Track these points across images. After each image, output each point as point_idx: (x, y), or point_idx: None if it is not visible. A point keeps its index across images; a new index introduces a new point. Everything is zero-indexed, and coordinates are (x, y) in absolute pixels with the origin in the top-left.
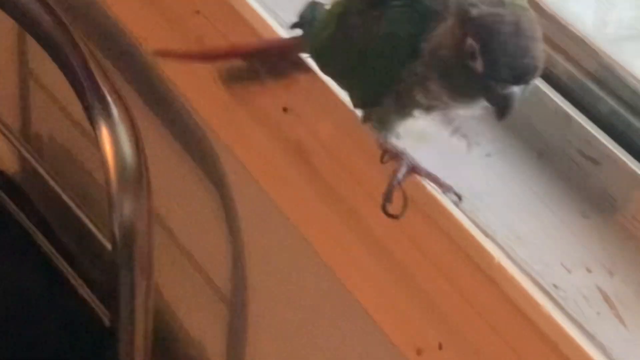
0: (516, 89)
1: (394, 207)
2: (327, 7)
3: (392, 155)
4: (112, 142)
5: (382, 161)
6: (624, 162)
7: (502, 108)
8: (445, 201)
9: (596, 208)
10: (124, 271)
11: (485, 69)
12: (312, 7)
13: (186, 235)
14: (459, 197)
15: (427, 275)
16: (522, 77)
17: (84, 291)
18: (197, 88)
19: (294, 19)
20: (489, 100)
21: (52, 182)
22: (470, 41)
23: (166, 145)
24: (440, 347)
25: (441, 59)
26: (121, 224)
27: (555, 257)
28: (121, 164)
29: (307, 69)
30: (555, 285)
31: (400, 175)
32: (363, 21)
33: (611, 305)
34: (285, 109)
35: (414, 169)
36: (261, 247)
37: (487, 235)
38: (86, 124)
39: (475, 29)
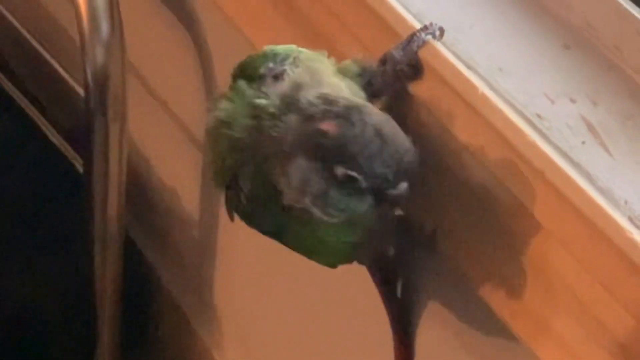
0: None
1: None
2: None
3: None
4: None
5: None
6: None
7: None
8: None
9: (577, 39)
10: (97, 116)
11: (370, 186)
12: None
13: (160, 82)
14: (441, 31)
15: None
16: (403, 178)
17: (56, 138)
18: None
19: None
20: (386, 205)
21: (22, 31)
22: (342, 170)
23: None
24: None
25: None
26: (94, 68)
27: (538, 88)
28: (93, 8)
29: None
30: (539, 116)
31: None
32: None
33: (595, 135)
34: None
35: None
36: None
37: (469, 67)
38: None
39: (342, 158)
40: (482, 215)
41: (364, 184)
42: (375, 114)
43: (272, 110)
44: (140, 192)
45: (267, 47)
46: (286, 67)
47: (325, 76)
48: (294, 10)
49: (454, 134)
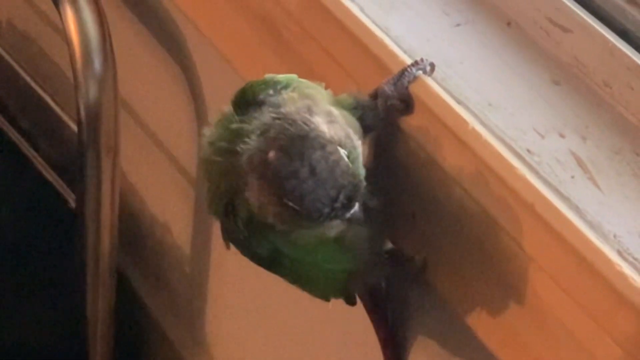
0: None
1: None
2: None
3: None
4: (76, 21)
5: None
6: (594, 28)
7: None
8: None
9: (567, 75)
10: (90, 151)
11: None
12: None
13: (152, 117)
14: (432, 66)
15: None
16: (343, 210)
17: (49, 173)
18: None
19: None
20: None
21: (14, 66)
22: (288, 202)
23: (130, 27)
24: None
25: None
26: (87, 104)
27: (528, 123)
28: (86, 43)
29: None
30: (529, 150)
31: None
32: None
33: (585, 169)
34: None
35: None
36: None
37: (459, 102)
38: (45, 8)
39: (283, 192)
40: (471, 247)
41: (306, 217)
42: (317, 147)
43: (248, 133)
44: (132, 226)
45: (268, 75)
46: (284, 96)
47: (320, 103)
48: (284, 45)
49: (444, 168)
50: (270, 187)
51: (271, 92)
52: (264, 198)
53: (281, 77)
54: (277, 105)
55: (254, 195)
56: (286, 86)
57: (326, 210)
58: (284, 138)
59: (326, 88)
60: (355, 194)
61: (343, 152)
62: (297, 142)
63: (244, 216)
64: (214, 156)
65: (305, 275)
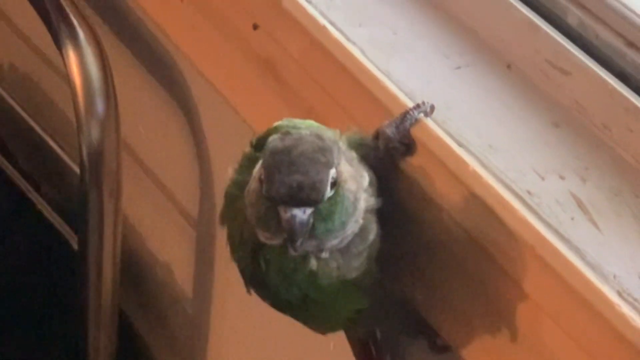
0: (297, 212)
1: None
2: None
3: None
4: (79, 63)
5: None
6: (594, 71)
7: (288, 234)
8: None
9: (567, 117)
10: (92, 193)
11: (265, 193)
12: None
13: (154, 160)
14: (432, 108)
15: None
16: (289, 194)
17: (51, 215)
18: (163, 7)
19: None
20: (281, 224)
21: (16, 108)
22: (260, 171)
23: (132, 69)
24: None
25: (251, 196)
26: (89, 146)
27: (528, 165)
28: (88, 86)
29: None
30: (529, 192)
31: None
32: None
33: (585, 211)
34: (255, 26)
35: None
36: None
37: (460, 144)
38: (48, 51)
39: (263, 160)
40: (472, 289)
41: (264, 187)
42: (303, 136)
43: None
44: (134, 266)
45: (288, 120)
46: None
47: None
48: (286, 88)
49: (445, 209)
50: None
51: None
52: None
53: (301, 123)
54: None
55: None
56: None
57: (277, 182)
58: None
59: None
60: (312, 190)
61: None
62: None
63: (276, 265)
64: (234, 200)
65: (320, 316)
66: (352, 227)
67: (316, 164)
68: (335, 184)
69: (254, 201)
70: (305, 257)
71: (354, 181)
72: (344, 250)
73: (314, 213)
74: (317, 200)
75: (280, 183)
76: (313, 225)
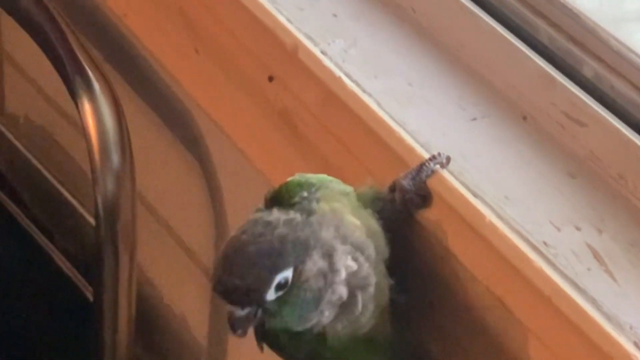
0: (234, 309)
1: None
2: None
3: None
4: (94, 115)
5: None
6: (609, 122)
7: (229, 325)
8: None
9: (582, 168)
10: (108, 245)
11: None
12: None
13: (169, 211)
14: (448, 159)
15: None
16: (225, 294)
17: (66, 267)
18: (179, 60)
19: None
20: None
21: (32, 160)
22: None
23: (147, 120)
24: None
25: None
26: (104, 198)
27: (544, 216)
28: (104, 137)
29: None
30: (545, 243)
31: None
32: None
33: (601, 262)
34: (270, 78)
35: None
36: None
37: (476, 195)
38: (63, 102)
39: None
40: (488, 339)
41: None
42: (256, 235)
43: None
44: (149, 319)
45: (300, 176)
46: (314, 206)
47: (344, 215)
48: (302, 140)
49: (461, 260)
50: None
51: (305, 194)
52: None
53: (314, 178)
54: (309, 213)
55: None
56: (319, 187)
57: (219, 289)
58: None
59: (344, 181)
60: (257, 294)
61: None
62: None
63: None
64: None
65: None
66: (328, 309)
67: (259, 269)
68: (285, 284)
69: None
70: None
71: (321, 278)
72: (346, 311)
73: (262, 309)
74: (256, 302)
75: (217, 281)
76: (263, 319)
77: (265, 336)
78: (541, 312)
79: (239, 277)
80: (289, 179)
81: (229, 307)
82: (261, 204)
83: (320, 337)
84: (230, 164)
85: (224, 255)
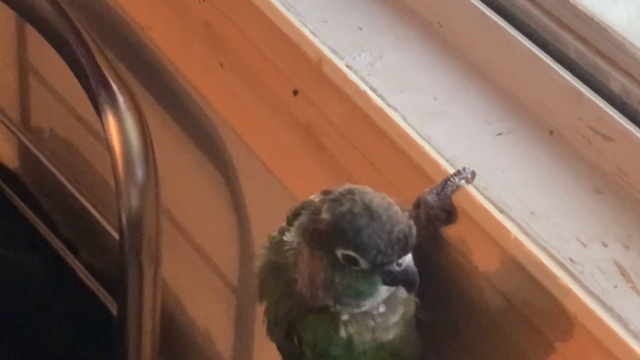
0: (407, 259)
1: None
2: None
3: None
4: (118, 129)
5: None
6: (636, 137)
7: (408, 282)
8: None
9: (609, 184)
10: (132, 260)
11: (370, 263)
12: None
13: (193, 225)
14: (473, 174)
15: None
16: (400, 251)
17: (90, 281)
18: (203, 74)
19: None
20: (393, 283)
21: (57, 174)
22: (340, 251)
23: (172, 134)
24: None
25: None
26: (128, 212)
27: (570, 232)
28: (128, 151)
29: None
30: (571, 260)
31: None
32: None
33: (628, 279)
34: (295, 92)
35: None
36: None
37: (501, 211)
38: (88, 116)
39: (336, 238)
40: (514, 356)
41: (362, 261)
42: (369, 192)
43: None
44: (174, 334)
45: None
46: None
47: None
48: (327, 156)
49: (486, 277)
50: (323, 238)
51: None
52: (316, 263)
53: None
54: None
55: (303, 274)
56: None
57: (382, 244)
58: (331, 196)
59: None
60: (410, 234)
61: None
62: (346, 193)
63: (310, 341)
64: (267, 276)
65: None
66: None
67: (397, 211)
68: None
69: (321, 279)
70: (337, 326)
71: None
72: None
73: None
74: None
75: (387, 243)
76: None
77: (292, 357)
78: (567, 330)
79: (398, 223)
80: (311, 196)
81: (403, 264)
82: (284, 223)
83: (346, 348)
84: (255, 177)
85: (369, 228)
